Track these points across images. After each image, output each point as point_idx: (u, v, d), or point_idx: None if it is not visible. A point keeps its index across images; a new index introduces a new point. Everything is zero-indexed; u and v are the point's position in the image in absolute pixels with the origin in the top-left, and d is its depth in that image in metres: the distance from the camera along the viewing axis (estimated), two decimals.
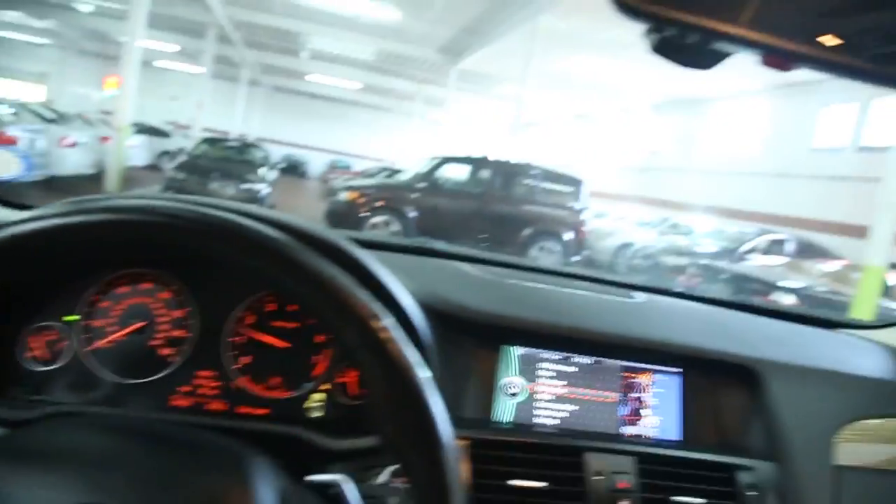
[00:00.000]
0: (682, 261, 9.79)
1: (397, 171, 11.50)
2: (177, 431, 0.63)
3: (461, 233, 9.29)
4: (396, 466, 0.74)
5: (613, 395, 0.98)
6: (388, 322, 0.58)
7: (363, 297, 0.59)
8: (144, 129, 17.11)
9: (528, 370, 0.97)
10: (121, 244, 0.66)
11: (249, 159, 11.96)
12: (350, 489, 0.65)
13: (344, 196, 9.76)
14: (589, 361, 0.99)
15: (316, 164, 30.04)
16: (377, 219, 9.43)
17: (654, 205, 16.68)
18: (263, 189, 10.68)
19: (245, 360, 0.87)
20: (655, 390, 1.00)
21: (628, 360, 1.00)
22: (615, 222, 13.23)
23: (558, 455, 0.90)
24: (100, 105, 20.42)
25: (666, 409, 1.00)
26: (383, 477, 0.76)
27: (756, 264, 9.20)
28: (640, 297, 1.20)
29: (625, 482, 0.88)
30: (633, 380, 1.00)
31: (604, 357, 1.00)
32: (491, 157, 10.54)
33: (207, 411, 0.85)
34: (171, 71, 27.10)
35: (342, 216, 9.43)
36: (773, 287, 7.74)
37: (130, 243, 0.65)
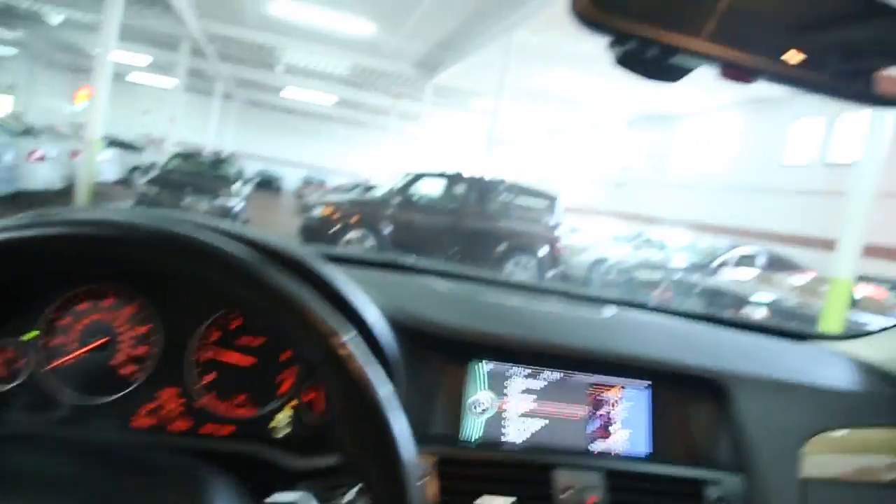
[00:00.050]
0: (656, 275, 9.89)
1: (372, 187, 11.49)
2: (136, 453, 0.61)
3: (436, 248, 9.30)
4: (362, 485, 0.72)
5: (583, 410, 0.98)
6: (349, 338, 0.57)
7: (323, 312, 0.58)
8: (116, 143, 16.89)
9: (497, 386, 0.96)
10: (79, 258, 0.64)
11: (223, 174, 11.86)
12: None
13: (318, 211, 9.73)
14: (558, 377, 0.99)
15: (291, 179, 29.91)
16: (352, 234, 9.40)
17: (628, 219, 16.87)
18: (237, 204, 10.60)
19: (209, 377, 0.85)
20: (625, 404, 1.00)
21: (598, 374, 1.00)
22: (590, 237, 13.33)
23: (527, 472, 0.89)
24: (70, 118, 20.14)
25: (635, 422, 0.99)
26: (349, 496, 0.74)
27: (728, 278, 9.32)
28: (611, 311, 1.20)
29: (594, 497, 0.87)
30: (602, 394, 0.99)
31: (573, 372, 0.99)
32: (465, 173, 10.58)
33: (170, 431, 0.83)
34: (143, 84, 26.84)
35: (317, 232, 9.39)
36: (744, 300, 7.85)
37: (87, 257, 0.64)
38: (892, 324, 1.28)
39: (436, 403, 0.93)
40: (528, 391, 0.97)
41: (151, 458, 0.59)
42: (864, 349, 1.27)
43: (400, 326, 0.88)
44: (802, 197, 13.29)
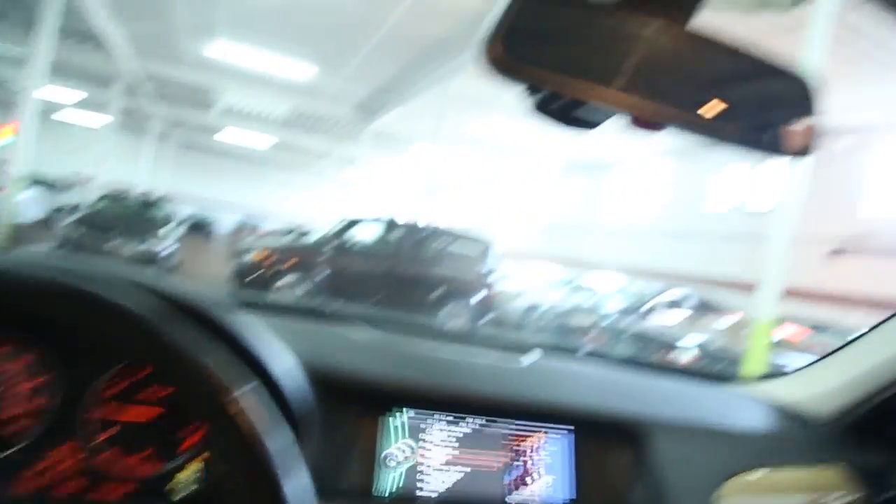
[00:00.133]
0: (587, 321, 10.06)
1: (307, 232, 11.36)
2: None
3: (369, 295, 9.21)
4: None
5: (504, 458, 0.97)
6: (243, 391, 0.54)
7: (217, 365, 0.55)
8: (40, 182, 16.22)
9: (416, 435, 0.94)
10: None
11: (152, 217, 11.52)
12: None
13: (251, 256, 9.54)
14: (478, 425, 0.97)
15: (225, 222, 29.30)
16: (285, 280, 9.23)
17: (562, 264, 17.17)
18: (166, 248, 10.31)
19: (111, 431, 0.79)
20: (547, 451, 0.99)
21: (519, 421, 0.99)
22: (524, 283, 13.48)
23: None
24: None
25: (557, 469, 0.99)
26: None
27: (657, 322, 9.55)
28: (534, 358, 1.20)
29: None
30: (524, 442, 0.99)
31: (495, 419, 0.98)
32: (400, 220, 10.59)
33: (56, 496, 0.75)
34: (74, 122, 26.00)
35: (249, 276, 9.18)
36: (672, 344, 8.05)
37: None
38: (806, 363, 1.32)
39: (351, 456, 0.90)
40: (447, 440, 0.95)
41: None
42: (781, 389, 1.32)
43: (317, 377, 0.85)
44: (728, 241, 13.86)
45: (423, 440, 0.94)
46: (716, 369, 1.46)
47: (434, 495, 0.92)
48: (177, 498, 0.79)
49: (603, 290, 12.50)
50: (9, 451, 0.75)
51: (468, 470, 0.94)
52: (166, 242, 10.49)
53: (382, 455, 0.91)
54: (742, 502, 1.03)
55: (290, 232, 13.54)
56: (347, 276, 9.48)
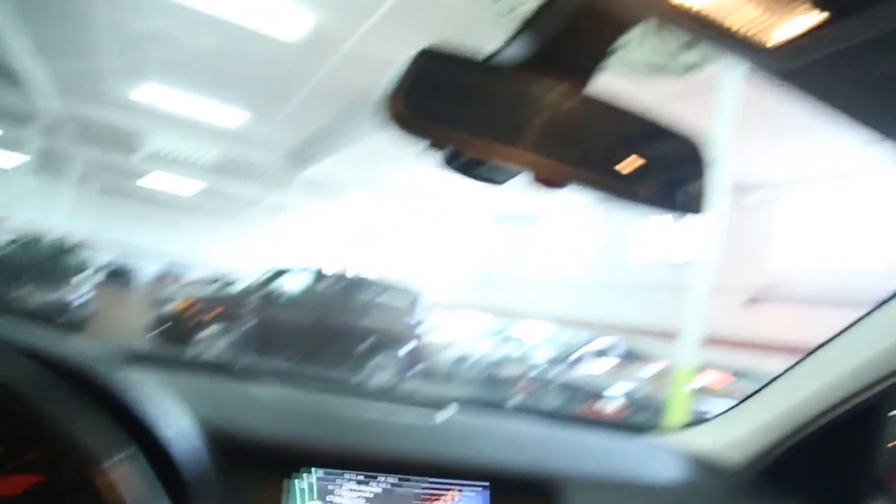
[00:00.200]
0: (517, 371, 10.10)
1: (232, 282, 11.06)
2: None
3: (295, 347, 8.99)
4: None
5: None
6: (115, 460, 0.50)
7: (82, 433, 0.50)
8: None
9: (324, 497, 0.90)
10: None
11: (65, 263, 10.93)
12: None
13: (172, 306, 9.20)
14: (390, 484, 0.94)
15: (148, 270, 28.25)
16: (208, 331, 8.92)
17: (492, 314, 17.30)
18: (80, 297, 9.79)
19: None
20: None
21: (433, 479, 0.97)
22: (453, 334, 13.47)
23: None
24: None
25: None
26: None
27: (585, 371, 9.68)
28: (449, 413, 1.19)
29: None
30: (437, 500, 0.96)
31: (407, 478, 0.95)
32: (328, 270, 10.46)
33: None
34: None
35: (169, 328, 8.86)
36: (598, 394, 8.15)
37: None
38: (724, 410, 1.35)
39: None
40: (358, 501, 0.91)
41: None
42: (700, 437, 1.33)
43: (217, 438, 0.80)
44: (652, 291, 14.30)
45: (332, 502, 0.90)
46: (639, 419, 1.47)
47: None
48: None
49: (532, 340, 12.62)
50: None
51: None
52: (80, 291, 9.96)
53: None
54: None
55: (215, 281, 13.16)
56: (273, 327, 9.25)
